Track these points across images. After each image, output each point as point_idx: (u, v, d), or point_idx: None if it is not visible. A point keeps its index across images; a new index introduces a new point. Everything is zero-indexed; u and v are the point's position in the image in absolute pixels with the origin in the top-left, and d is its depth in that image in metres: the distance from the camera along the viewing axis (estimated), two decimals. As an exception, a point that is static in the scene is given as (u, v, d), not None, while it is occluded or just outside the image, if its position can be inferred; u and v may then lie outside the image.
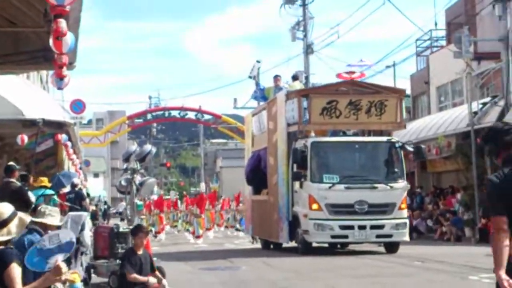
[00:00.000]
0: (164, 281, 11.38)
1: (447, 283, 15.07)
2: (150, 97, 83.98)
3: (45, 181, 18.06)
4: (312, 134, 23.05)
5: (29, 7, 11.28)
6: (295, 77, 27.25)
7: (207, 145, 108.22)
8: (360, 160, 23.47)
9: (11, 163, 14.95)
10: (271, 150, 24.77)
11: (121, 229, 15.00)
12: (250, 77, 27.39)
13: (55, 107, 22.09)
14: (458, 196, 30.47)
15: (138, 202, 16.67)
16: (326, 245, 23.60)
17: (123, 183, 15.05)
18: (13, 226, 6.09)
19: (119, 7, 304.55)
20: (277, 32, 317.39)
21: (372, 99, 22.98)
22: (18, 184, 13.89)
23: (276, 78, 27.15)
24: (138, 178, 14.95)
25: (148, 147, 15.96)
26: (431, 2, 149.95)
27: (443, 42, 40.65)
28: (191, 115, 57.93)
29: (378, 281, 15.65)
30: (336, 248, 24.39)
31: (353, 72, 27.49)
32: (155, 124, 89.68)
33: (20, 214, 6.25)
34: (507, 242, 5.23)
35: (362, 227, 21.63)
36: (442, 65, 36.37)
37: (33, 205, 12.91)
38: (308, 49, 40.92)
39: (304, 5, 40.95)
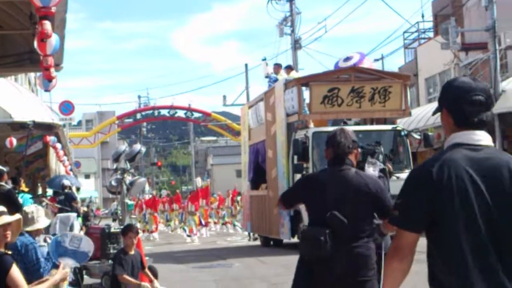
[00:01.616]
0: (156, 283, 11.34)
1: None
2: (139, 97, 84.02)
3: (22, 186, 18.20)
4: (311, 125, 22.20)
5: (15, 10, 11.26)
6: (290, 67, 26.27)
7: (197, 143, 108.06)
8: None
9: (-1, 166, 14.94)
10: (270, 142, 24.00)
11: (112, 230, 14.96)
12: (266, 77, 26.75)
13: (44, 109, 22.04)
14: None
15: (129, 202, 16.59)
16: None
17: (113, 183, 14.99)
18: None
19: (105, 8, 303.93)
20: (264, 28, 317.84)
21: (375, 85, 22.03)
22: (8, 187, 13.86)
23: (276, 66, 26.08)
24: (128, 178, 14.90)
25: (137, 146, 15.89)
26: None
27: (431, 34, 40.73)
28: (180, 113, 57.83)
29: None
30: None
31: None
32: (145, 124, 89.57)
33: (9, 217, 6.26)
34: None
35: None
36: (430, 56, 36.43)
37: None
38: (296, 44, 40.98)
39: (291, 0, 41.01)
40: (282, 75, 24.63)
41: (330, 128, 22.12)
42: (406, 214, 3.78)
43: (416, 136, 22.51)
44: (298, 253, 6.63)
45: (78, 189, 30.19)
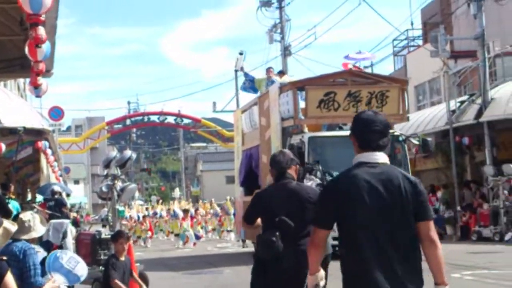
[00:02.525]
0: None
1: (429, 281, 15.12)
2: (129, 103, 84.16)
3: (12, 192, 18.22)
4: (306, 129, 21.68)
5: (5, 16, 11.25)
6: (282, 72, 25.83)
7: (187, 149, 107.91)
8: None
9: (-11, 173, 14.93)
10: (264, 147, 23.13)
11: (103, 236, 14.95)
12: (236, 70, 26.09)
13: (34, 115, 21.96)
14: (439, 194, 30.64)
15: (119, 208, 16.58)
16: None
17: (104, 189, 14.98)
18: None
19: (95, 13, 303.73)
20: (254, 35, 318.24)
21: (372, 89, 21.53)
22: (-2, 193, 13.85)
23: (269, 70, 25.25)
24: (119, 184, 14.89)
25: (128, 153, 15.86)
26: (407, 2, 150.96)
27: (420, 42, 40.89)
28: (170, 119, 57.67)
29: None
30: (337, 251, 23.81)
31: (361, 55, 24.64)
32: (134, 130, 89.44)
33: (5, 224, 6.25)
34: None
35: None
36: (419, 64, 36.57)
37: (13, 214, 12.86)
38: (286, 51, 41.06)
39: (280, 7, 41.14)
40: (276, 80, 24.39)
41: (327, 133, 21.74)
42: (319, 217, 4.97)
43: (415, 141, 22.24)
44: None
45: (68, 195, 30.06)
